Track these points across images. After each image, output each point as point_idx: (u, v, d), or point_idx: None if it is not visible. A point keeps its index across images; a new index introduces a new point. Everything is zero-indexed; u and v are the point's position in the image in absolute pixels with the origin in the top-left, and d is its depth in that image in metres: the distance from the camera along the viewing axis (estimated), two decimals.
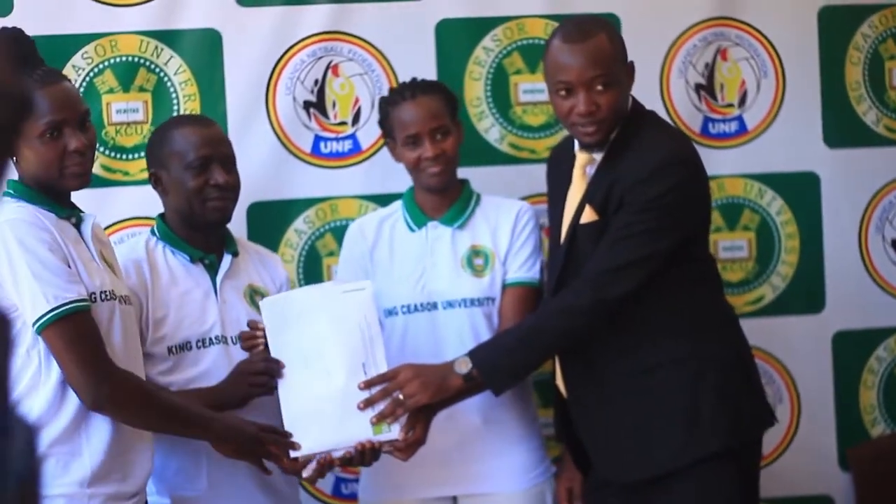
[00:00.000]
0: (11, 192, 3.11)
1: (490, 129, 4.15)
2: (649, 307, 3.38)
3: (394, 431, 3.37)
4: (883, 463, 4.25)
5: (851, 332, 4.29)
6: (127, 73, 3.98)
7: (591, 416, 3.49)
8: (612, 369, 3.43)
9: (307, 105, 4.07)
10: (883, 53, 4.31)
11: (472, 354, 3.43)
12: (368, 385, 3.36)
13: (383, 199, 4.01)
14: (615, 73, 3.38)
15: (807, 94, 4.25)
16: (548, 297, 3.55)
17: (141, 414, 3.15)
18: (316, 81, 4.07)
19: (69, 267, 3.07)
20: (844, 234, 4.28)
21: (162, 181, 3.49)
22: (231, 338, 3.45)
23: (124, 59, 3.98)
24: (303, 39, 4.06)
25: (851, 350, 4.29)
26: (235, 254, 3.54)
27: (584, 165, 3.46)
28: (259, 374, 3.37)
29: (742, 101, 4.25)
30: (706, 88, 4.24)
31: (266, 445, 3.30)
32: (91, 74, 3.96)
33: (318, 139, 4.09)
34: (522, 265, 3.74)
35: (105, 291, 3.13)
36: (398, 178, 3.88)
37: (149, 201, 3.70)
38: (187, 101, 4.01)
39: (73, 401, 3.08)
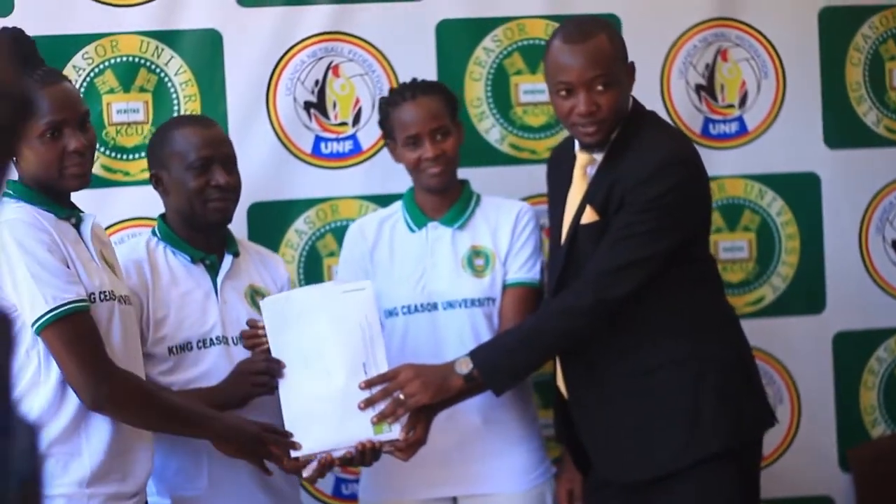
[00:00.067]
0: (10, 192, 3.11)
1: (490, 129, 4.15)
2: (650, 308, 3.39)
3: (394, 431, 3.37)
4: (883, 464, 4.25)
5: (852, 333, 4.29)
6: (127, 73, 3.98)
7: (592, 417, 3.49)
8: (613, 370, 3.43)
9: (308, 105, 4.07)
10: (883, 54, 4.31)
11: (473, 355, 3.43)
12: (369, 385, 3.36)
13: (384, 200, 4.01)
14: (615, 74, 3.38)
15: (807, 94, 4.25)
16: (548, 298, 3.55)
17: (141, 414, 3.15)
18: (316, 82, 4.07)
19: (68, 267, 3.07)
20: (845, 234, 4.28)
21: (163, 182, 3.49)
22: (232, 338, 3.45)
23: (125, 59, 3.98)
24: (303, 40, 4.06)
25: (852, 351, 4.29)
26: (236, 254, 3.54)
27: (584, 166, 3.46)
28: (260, 373, 3.38)
29: (742, 102, 4.25)
30: (706, 89, 4.24)
31: (267, 445, 3.30)
32: (91, 75, 3.96)
33: (318, 140, 4.09)
34: (523, 266, 3.74)
35: (104, 292, 3.13)
36: (398, 179, 3.88)
37: (149, 202, 3.70)
38: (188, 101, 4.01)
39: (72, 401, 3.08)
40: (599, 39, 3.37)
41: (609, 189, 3.38)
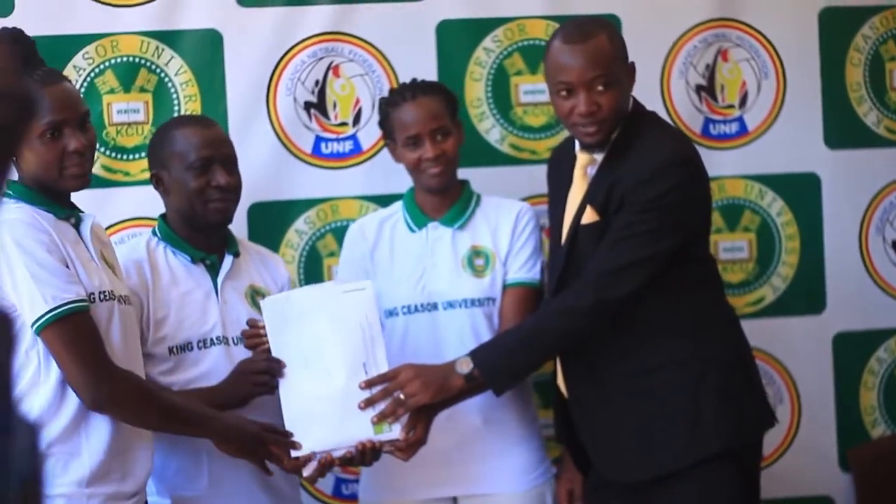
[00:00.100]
0: (10, 192, 3.11)
1: (491, 129, 4.15)
2: (650, 308, 3.39)
3: (395, 431, 3.37)
4: (883, 464, 4.25)
5: (852, 334, 4.29)
6: (128, 73, 3.98)
7: (593, 417, 3.49)
8: (614, 370, 3.43)
9: (308, 106, 4.07)
10: (884, 55, 4.31)
11: (474, 355, 3.43)
12: (369, 384, 3.36)
13: (384, 200, 4.01)
14: (616, 74, 3.38)
15: (807, 95, 4.25)
16: (549, 298, 3.55)
17: (141, 413, 3.15)
18: (317, 82, 4.07)
19: (67, 268, 3.07)
20: (845, 235, 4.28)
21: (163, 182, 3.49)
22: (232, 338, 3.45)
23: (125, 59, 3.98)
24: (304, 40, 4.06)
25: (852, 351, 4.29)
26: (237, 254, 3.54)
27: (584, 166, 3.46)
28: (260, 373, 3.38)
29: (743, 102, 4.25)
30: (707, 89, 4.24)
31: (268, 445, 3.30)
32: (92, 75, 3.96)
33: (318, 140, 4.09)
34: (523, 266, 3.74)
35: (104, 291, 3.13)
36: (399, 179, 3.88)
37: (150, 202, 3.70)
38: (188, 101, 4.01)
39: (72, 401, 3.08)
40: (600, 39, 3.37)
41: (609, 189, 3.37)
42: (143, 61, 3.99)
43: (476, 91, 4.14)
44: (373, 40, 4.08)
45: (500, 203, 3.81)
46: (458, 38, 4.13)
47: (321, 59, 4.07)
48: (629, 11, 4.16)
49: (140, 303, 3.39)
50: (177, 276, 3.47)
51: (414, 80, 3.81)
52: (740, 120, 4.25)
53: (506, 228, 3.76)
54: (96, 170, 3.50)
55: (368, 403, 3.36)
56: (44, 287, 3.02)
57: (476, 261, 3.75)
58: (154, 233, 3.53)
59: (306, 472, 3.35)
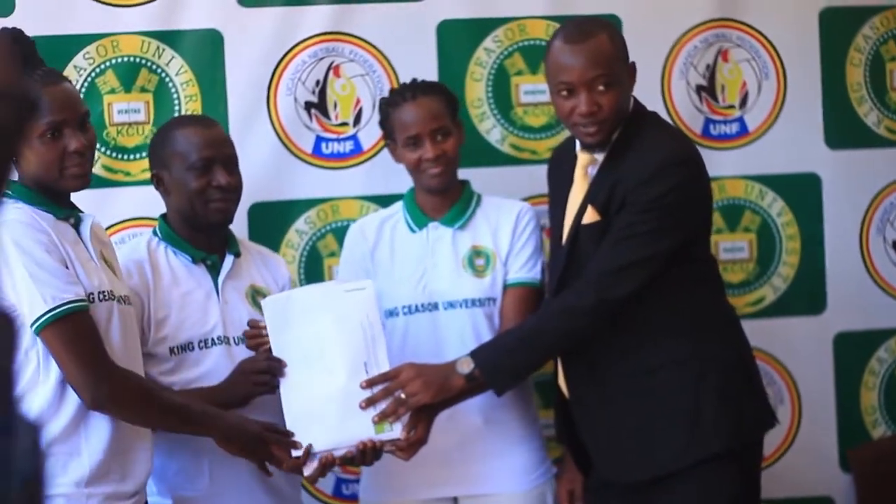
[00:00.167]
0: (9, 192, 3.11)
1: (491, 130, 4.15)
2: (651, 308, 3.39)
3: (395, 431, 3.37)
4: (884, 464, 4.25)
5: (852, 334, 4.29)
6: (128, 73, 3.98)
7: (593, 417, 3.49)
8: (614, 370, 3.43)
9: (308, 106, 4.07)
10: (884, 55, 4.31)
11: (475, 354, 3.43)
12: (370, 384, 3.36)
13: (384, 200, 4.01)
14: (616, 74, 3.38)
15: (808, 95, 4.26)
16: (549, 298, 3.55)
17: (142, 412, 3.15)
18: (317, 82, 4.07)
19: (66, 268, 3.07)
20: (845, 235, 4.28)
21: (164, 182, 3.49)
22: (233, 338, 3.45)
23: (126, 59, 3.98)
24: (304, 40, 4.06)
25: (852, 351, 4.29)
26: (237, 254, 3.54)
27: (585, 166, 3.46)
28: (261, 372, 3.38)
29: (743, 103, 4.25)
30: (707, 90, 4.24)
31: (269, 445, 3.30)
32: (92, 75, 3.96)
33: (319, 140, 4.09)
34: (523, 265, 3.74)
35: (103, 291, 3.13)
36: (399, 179, 3.88)
37: (150, 202, 3.70)
38: (189, 101, 4.01)
39: (72, 400, 3.08)
40: (600, 39, 3.37)
41: (610, 189, 3.38)
42: (143, 61, 3.99)
43: (476, 91, 4.14)
44: (373, 40, 4.08)
45: (501, 203, 3.81)
46: (458, 39, 4.13)
47: (322, 59, 4.07)
48: (630, 11, 4.16)
49: (141, 303, 3.39)
50: (178, 277, 3.47)
51: (414, 81, 3.81)
52: (741, 120, 4.25)
53: (506, 228, 3.76)
54: (97, 170, 3.50)
55: (369, 403, 3.36)
56: (43, 287, 3.02)
57: (477, 261, 3.75)
58: (155, 233, 3.53)
59: (307, 471, 3.35)
